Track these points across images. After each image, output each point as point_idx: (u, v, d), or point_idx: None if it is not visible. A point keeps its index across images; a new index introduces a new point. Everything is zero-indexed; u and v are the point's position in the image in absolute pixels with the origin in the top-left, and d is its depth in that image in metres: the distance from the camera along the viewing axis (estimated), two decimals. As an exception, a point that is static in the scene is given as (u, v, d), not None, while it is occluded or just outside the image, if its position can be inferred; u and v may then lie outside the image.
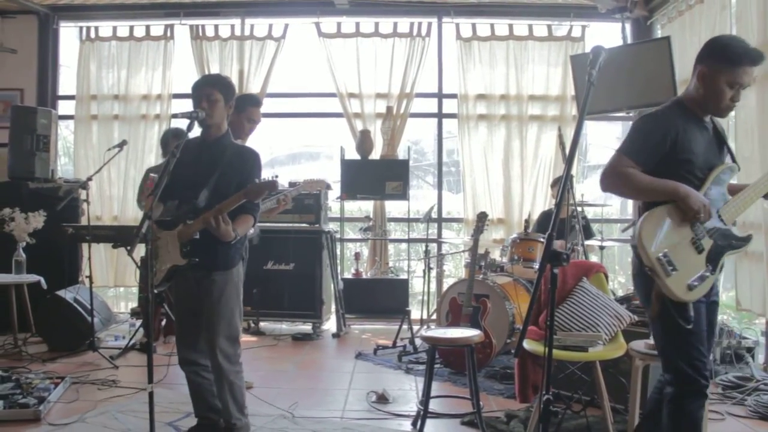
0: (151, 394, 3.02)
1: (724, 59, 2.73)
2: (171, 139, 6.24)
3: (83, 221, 6.31)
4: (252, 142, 6.88)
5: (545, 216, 6.45)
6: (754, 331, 5.59)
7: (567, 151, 5.13)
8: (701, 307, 2.77)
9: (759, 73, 5.04)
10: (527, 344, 4.01)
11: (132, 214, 7.71)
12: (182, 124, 3.39)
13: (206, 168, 3.46)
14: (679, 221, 2.71)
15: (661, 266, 2.67)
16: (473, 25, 7.77)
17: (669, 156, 2.76)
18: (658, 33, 7.07)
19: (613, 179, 2.78)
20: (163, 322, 6.61)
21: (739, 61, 2.70)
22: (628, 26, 7.45)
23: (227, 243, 3.39)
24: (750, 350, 5.34)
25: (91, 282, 5.67)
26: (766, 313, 4.99)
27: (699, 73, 2.80)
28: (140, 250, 4.99)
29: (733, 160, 2.91)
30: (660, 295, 2.71)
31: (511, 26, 7.72)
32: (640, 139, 2.65)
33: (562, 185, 2.28)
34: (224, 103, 3.52)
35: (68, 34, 8.27)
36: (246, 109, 4.68)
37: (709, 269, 2.73)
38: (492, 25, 7.74)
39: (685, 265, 2.69)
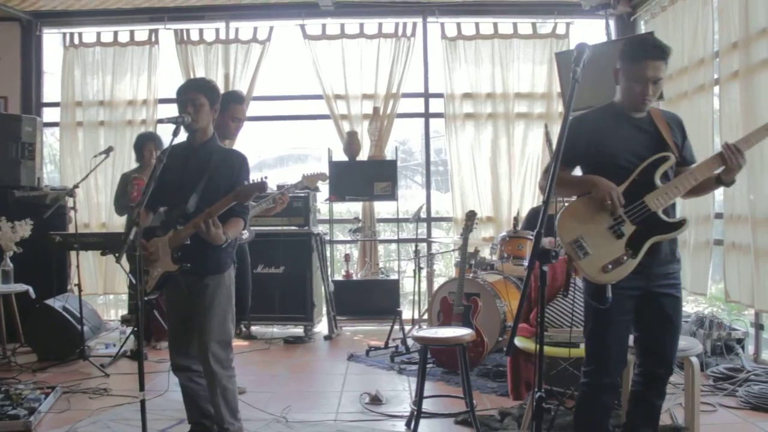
0: (143, 402, 3.01)
1: (625, 56, 2.90)
2: (147, 143, 6.22)
3: (71, 229, 6.27)
4: (239, 145, 6.90)
5: (534, 213, 6.46)
6: (743, 323, 5.62)
7: (554, 147, 5.15)
8: (626, 300, 2.90)
9: (741, 67, 5.08)
10: (519, 342, 4.03)
11: (120, 220, 7.63)
12: (168, 129, 3.36)
13: (194, 173, 3.45)
14: (596, 210, 2.87)
15: (574, 251, 2.89)
16: (458, 25, 7.78)
17: (589, 154, 2.97)
18: (642, 29, 7.10)
19: (542, 178, 3.09)
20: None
21: (637, 56, 2.85)
22: (612, 22, 7.49)
23: (218, 247, 3.38)
24: (740, 341, 5.37)
25: (80, 290, 5.64)
26: (755, 304, 5.02)
27: (612, 71, 2.99)
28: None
29: (681, 151, 2.97)
30: (569, 274, 3.08)
31: (495, 25, 7.74)
32: (563, 142, 2.68)
33: (550, 182, 2.29)
34: (209, 107, 3.50)
35: (52, 40, 8.20)
36: (229, 107, 4.61)
37: (629, 253, 2.82)
38: (477, 24, 7.75)
39: (599, 250, 2.85)
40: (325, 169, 6.04)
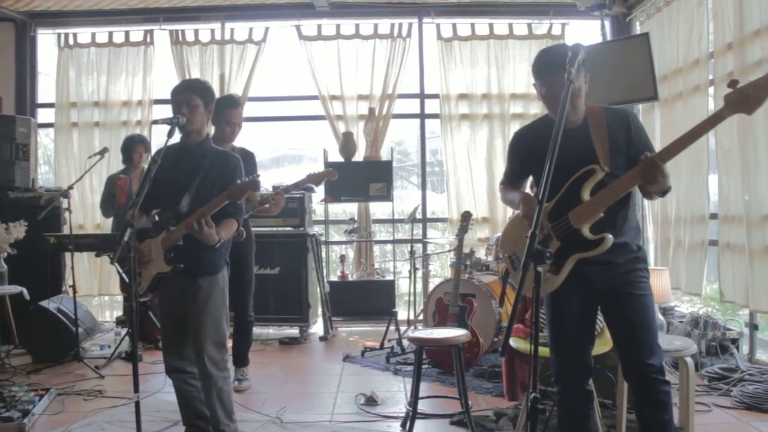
0: (137, 404, 3.00)
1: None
2: (136, 146, 6.22)
3: (65, 230, 6.26)
4: (236, 143, 6.87)
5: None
6: (738, 323, 5.64)
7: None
8: (570, 304, 2.88)
9: (736, 69, 5.09)
10: (514, 342, 4.02)
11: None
12: (162, 130, 3.36)
13: (187, 173, 3.44)
14: (527, 226, 2.80)
15: (511, 263, 3.05)
16: (453, 25, 7.78)
17: (531, 167, 3.01)
18: (637, 29, 7.11)
19: (502, 194, 3.25)
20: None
21: (534, 74, 2.86)
22: (607, 23, 7.51)
23: (212, 248, 3.37)
24: (734, 341, 5.40)
25: (74, 291, 5.62)
26: (750, 304, 5.03)
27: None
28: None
29: (625, 154, 2.80)
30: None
31: (491, 25, 7.74)
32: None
33: (544, 182, 2.28)
34: (204, 108, 3.50)
35: (46, 41, 8.20)
36: (223, 112, 4.62)
37: (553, 270, 2.79)
38: (472, 25, 7.76)
39: None
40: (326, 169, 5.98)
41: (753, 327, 5.55)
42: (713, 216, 5.65)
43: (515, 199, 3.02)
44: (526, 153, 3.00)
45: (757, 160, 4.86)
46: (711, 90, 5.59)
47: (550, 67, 2.74)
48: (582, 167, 2.74)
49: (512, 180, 3.17)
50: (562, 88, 2.54)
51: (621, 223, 2.83)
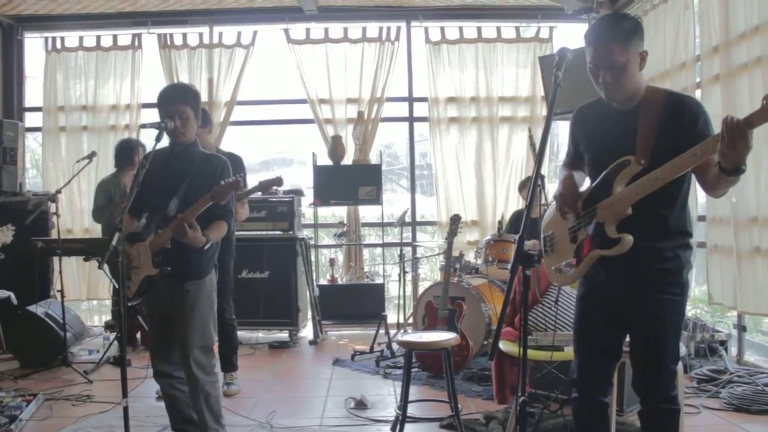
0: (125, 409, 2.99)
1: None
2: (138, 148, 6.22)
3: (53, 234, 6.23)
4: (223, 149, 6.85)
5: (517, 216, 6.48)
6: (726, 324, 5.67)
7: (537, 151, 5.17)
8: (595, 312, 2.72)
9: (722, 71, 5.12)
10: (503, 345, 4.03)
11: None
12: (150, 133, 3.35)
13: (175, 177, 3.44)
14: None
15: (544, 244, 2.89)
16: (442, 29, 7.80)
17: (578, 149, 2.85)
18: (624, 33, 7.13)
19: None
20: (138, 334, 6.55)
21: (586, 42, 2.58)
22: (594, 27, 7.52)
23: (200, 251, 3.36)
24: (723, 343, 5.43)
25: (62, 296, 5.59)
26: (738, 306, 5.05)
27: None
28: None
29: (653, 153, 2.51)
30: None
31: (479, 29, 7.76)
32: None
33: (533, 184, 2.29)
34: (194, 116, 3.50)
35: (33, 44, 8.17)
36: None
37: (575, 261, 2.67)
38: (460, 28, 7.78)
39: (559, 250, 2.79)
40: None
41: (741, 329, 5.59)
42: (701, 218, 5.68)
43: (560, 179, 2.80)
44: (577, 132, 2.85)
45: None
46: (698, 93, 5.62)
47: (593, 38, 2.55)
48: (621, 155, 2.54)
49: (569, 161, 2.91)
50: (604, 60, 2.48)
51: (655, 226, 2.55)
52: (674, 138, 2.47)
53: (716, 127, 2.30)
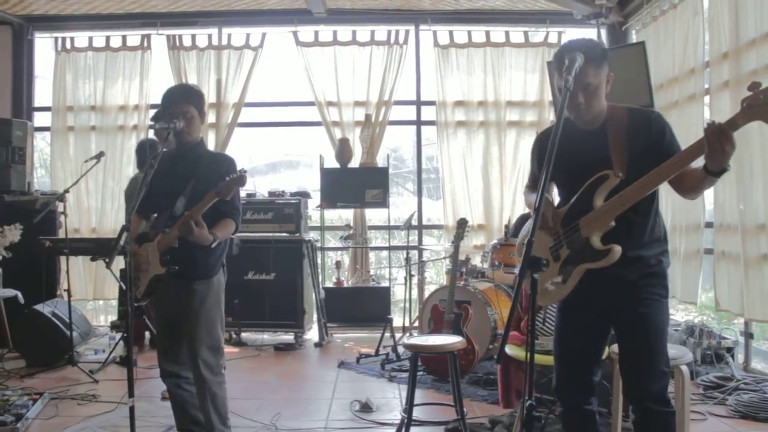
0: (131, 409, 2.98)
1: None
2: (149, 150, 6.22)
3: (61, 234, 6.25)
4: (231, 150, 6.87)
5: (522, 220, 6.46)
6: (733, 331, 5.65)
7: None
8: (579, 319, 2.76)
9: (731, 78, 5.10)
10: (509, 350, 4.03)
11: (111, 225, 7.65)
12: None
13: (182, 176, 3.45)
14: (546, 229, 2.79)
15: None
16: (450, 33, 7.80)
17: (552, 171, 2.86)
18: (633, 38, 7.14)
19: (526, 195, 3.17)
20: (147, 335, 6.58)
21: (557, 68, 2.62)
22: (603, 32, 7.52)
23: (207, 251, 3.37)
24: (730, 350, 5.40)
25: (69, 295, 5.61)
26: (745, 313, 5.03)
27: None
28: (120, 261, 4.95)
29: (628, 166, 2.58)
30: None
31: (488, 33, 7.77)
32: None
33: (541, 189, 2.28)
34: (199, 117, 3.51)
35: (43, 44, 8.20)
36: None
37: (560, 279, 2.70)
38: (469, 32, 7.79)
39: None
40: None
41: (748, 336, 5.56)
42: (709, 225, 5.66)
43: (532, 201, 2.77)
44: (544, 155, 2.84)
45: (752, 168, 4.88)
46: (707, 99, 5.61)
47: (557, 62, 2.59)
48: (597, 172, 2.60)
49: (535, 183, 2.98)
50: (580, 82, 2.52)
51: (637, 235, 2.65)
52: (644, 149, 2.59)
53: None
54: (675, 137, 2.66)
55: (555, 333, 2.89)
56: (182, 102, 3.46)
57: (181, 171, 3.47)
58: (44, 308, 5.83)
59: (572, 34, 7.80)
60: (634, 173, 2.53)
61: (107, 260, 3.02)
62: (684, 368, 3.53)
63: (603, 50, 2.65)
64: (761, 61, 4.79)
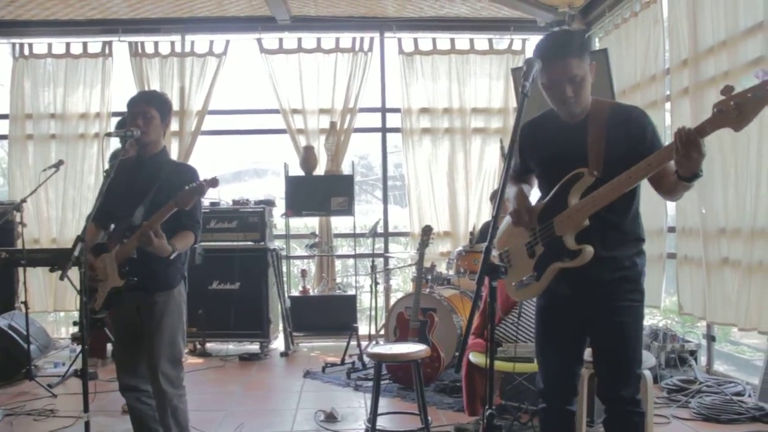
0: (87, 423, 2.91)
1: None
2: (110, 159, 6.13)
3: (18, 244, 6.10)
4: (194, 159, 6.78)
5: (487, 226, 6.48)
6: (696, 335, 5.72)
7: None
8: (557, 322, 2.75)
9: (691, 84, 5.17)
10: (473, 357, 4.02)
11: (72, 235, 7.49)
12: (116, 143, 3.29)
13: (142, 185, 3.37)
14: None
15: (501, 261, 2.85)
16: (415, 40, 7.81)
17: (524, 161, 2.86)
18: (596, 45, 7.21)
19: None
20: (109, 346, 6.45)
21: (542, 59, 2.57)
22: (566, 39, 7.58)
23: (167, 262, 3.29)
24: (693, 353, 5.47)
25: (26, 307, 5.49)
26: (707, 316, 5.09)
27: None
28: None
29: (605, 164, 2.54)
30: None
31: (452, 40, 7.80)
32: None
33: (499, 195, 2.27)
34: (160, 121, 3.43)
35: (0, 50, 8.03)
36: None
37: (534, 276, 2.67)
38: (434, 40, 7.80)
39: (517, 265, 2.77)
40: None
41: (710, 339, 5.63)
42: (671, 229, 5.72)
43: (510, 194, 2.80)
44: (525, 146, 2.82)
45: (713, 173, 4.94)
46: (668, 105, 5.68)
47: (556, 51, 2.56)
48: (573, 168, 2.57)
49: (515, 174, 2.90)
50: (566, 75, 2.51)
51: (612, 235, 2.60)
52: (623, 148, 2.53)
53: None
54: (657, 137, 2.62)
55: (536, 340, 2.89)
56: (142, 102, 3.40)
57: (141, 179, 3.39)
58: (0, 321, 5.69)
59: (536, 41, 7.82)
60: (610, 172, 2.48)
61: (61, 271, 2.95)
62: (647, 372, 3.54)
63: (583, 41, 2.63)
64: (719, 68, 4.86)
